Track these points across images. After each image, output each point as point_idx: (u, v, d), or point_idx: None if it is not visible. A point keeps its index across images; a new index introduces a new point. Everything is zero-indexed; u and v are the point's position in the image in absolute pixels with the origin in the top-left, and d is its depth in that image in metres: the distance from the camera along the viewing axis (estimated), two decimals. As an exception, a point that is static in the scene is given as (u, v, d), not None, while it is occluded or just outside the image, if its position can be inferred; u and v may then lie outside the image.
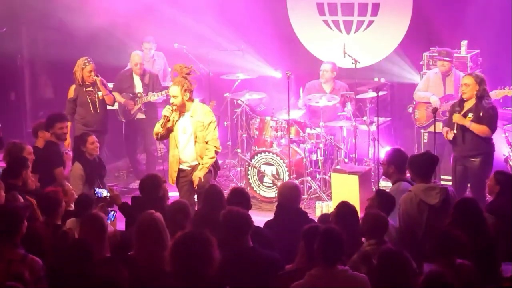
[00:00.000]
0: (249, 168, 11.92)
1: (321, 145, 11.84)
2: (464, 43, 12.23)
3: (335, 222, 6.98)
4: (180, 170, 9.63)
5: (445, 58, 11.51)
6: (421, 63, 12.46)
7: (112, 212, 8.37)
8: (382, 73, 13.37)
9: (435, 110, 10.22)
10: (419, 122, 11.93)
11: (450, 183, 10.18)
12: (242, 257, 6.32)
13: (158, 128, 9.56)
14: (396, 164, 8.34)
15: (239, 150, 12.44)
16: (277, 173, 11.68)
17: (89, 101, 11.51)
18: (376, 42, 13.64)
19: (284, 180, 11.32)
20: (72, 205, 8.29)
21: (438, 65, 11.61)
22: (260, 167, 11.81)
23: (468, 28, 12.63)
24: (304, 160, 11.72)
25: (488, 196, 8.68)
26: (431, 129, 11.34)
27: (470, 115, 9.85)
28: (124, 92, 12.51)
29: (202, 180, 9.41)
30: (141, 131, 12.68)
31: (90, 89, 11.52)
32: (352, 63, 12.23)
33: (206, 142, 9.46)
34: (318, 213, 10.85)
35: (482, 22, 12.56)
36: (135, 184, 12.58)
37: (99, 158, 10.16)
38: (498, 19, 12.30)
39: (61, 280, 6.20)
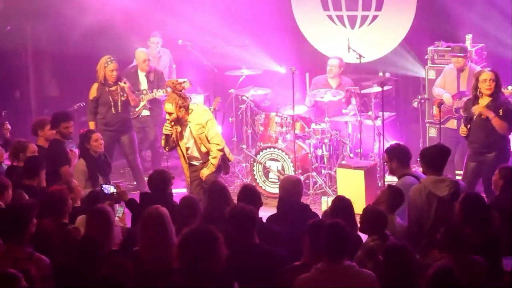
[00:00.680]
0: (255, 164, 11.92)
1: (326, 140, 11.83)
2: (468, 36, 12.21)
3: (331, 216, 6.99)
4: (190, 165, 9.72)
5: (459, 54, 11.42)
6: (426, 57, 12.43)
7: (120, 208, 8.38)
8: (386, 67, 13.37)
9: (440, 104, 10.20)
10: (436, 118, 11.83)
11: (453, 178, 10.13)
12: (248, 253, 6.31)
13: (163, 144, 9.74)
14: (398, 158, 8.32)
15: (244, 146, 12.44)
16: (283, 169, 11.68)
17: (111, 101, 11.42)
18: (380, 37, 13.62)
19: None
20: (79, 202, 8.31)
21: (453, 61, 11.50)
22: (265, 163, 11.81)
23: (473, 22, 12.60)
24: (310, 155, 11.72)
25: (494, 190, 8.63)
26: (447, 125, 11.32)
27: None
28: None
29: (210, 176, 9.50)
30: (146, 128, 12.69)
31: (113, 88, 11.44)
32: (357, 58, 12.25)
33: (209, 140, 9.51)
34: (324, 208, 10.83)
35: (486, 16, 12.54)
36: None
37: (105, 156, 10.16)
38: (503, 12, 12.26)
39: (67, 278, 6.21)
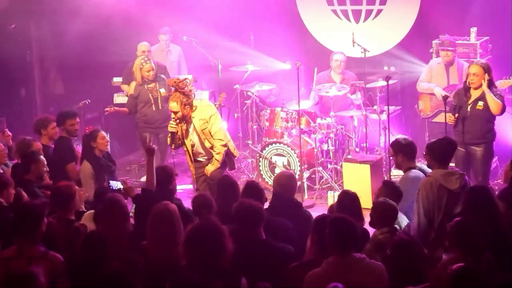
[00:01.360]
0: (260, 159, 11.92)
1: (332, 135, 11.83)
2: (473, 30, 12.19)
3: (337, 210, 7.00)
4: (196, 161, 9.73)
5: (448, 48, 11.49)
6: (430, 51, 12.42)
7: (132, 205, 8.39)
8: (391, 61, 13.35)
9: (445, 98, 10.19)
10: (423, 113, 11.89)
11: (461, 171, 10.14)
12: (255, 249, 6.31)
13: (169, 142, 9.77)
14: (404, 152, 8.31)
15: (250, 142, 12.43)
16: (288, 164, 11.68)
17: (151, 98, 11.58)
18: (385, 31, 13.59)
19: (296, 171, 11.32)
20: (83, 206, 8.30)
21: (442, 55, 11.58)
22: (271, 158, 11.81)
23: (478, 15, 12.59)
24: (315, 150, 11.72)
25: (504, 182, 8.62)
26: (437, 119, 11.33)
27: (481, 103, 9.81)
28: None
29: (215, 172, 9.51)
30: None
31: (152, 85, 11.59)
32: (362, 52, 12.23)
33: (212, 136, 9.51)
34: (330, 203, 10.82)
35: (491, 9, 12.52)
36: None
37: (108, 154, 10.15)
38: (508, 5, 12.23)
39: (76, 275, 6.23)
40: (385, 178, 11.14)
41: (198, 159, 9.76)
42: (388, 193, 7.41)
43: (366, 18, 13.72)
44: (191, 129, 9.57)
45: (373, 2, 13.61)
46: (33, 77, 14.17)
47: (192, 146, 9.68)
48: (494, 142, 10.09)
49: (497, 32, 12.42)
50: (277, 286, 5.97)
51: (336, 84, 12.09)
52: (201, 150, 9.70)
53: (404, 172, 8.37)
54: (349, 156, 11.47)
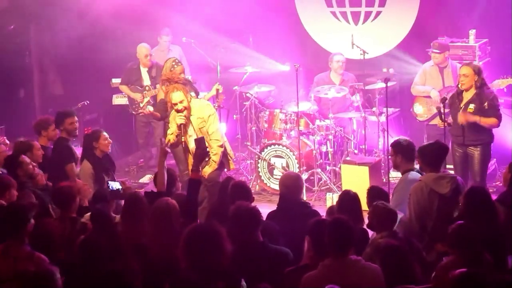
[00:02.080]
0: (259, 161, 11.92)
1: (330, 137, 11.83)
2: (472, 32, 12.20)
3: (338, 211, 7.01)
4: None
5: (434, 50, 11.52)
6: (429, 53, 12.42)
7: None
8: (390, 63, 13.36)
9: (444, 100, 10.18)
10: (420, 117, 11.87)
11: (453, 172, 10.16)
12: (252, 251, 6.31)
13: (172, 137, 9.56)
14: (403, 153, 8.29)
15: (248, 143, 12.43)
16: (287, 166, 11.68)
17: None
18: (384, 33, 13.61)
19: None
20: (87, 202, 8.32)
21: (432, 57, 11.61)
22: (270, 159, 11.81)
23: (476, 17, 12.61)
24: (314, 152, 11.72)
25: (503, 185, 8.63)
26: (434, 122, 11.34)
27: (472, 106, 9.78)
28: (132, 85, 12.57)
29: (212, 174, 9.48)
30: (152, 122, 12.69)
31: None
32: (361, 54, 12.24)
33: (209, 135, 9.48)
34: (329, 204, 10.82)
35: (490, 11, 12.54)
36: (145, 179, 12.63)
37: (108, 155, 10.15)
38: (506, 7, 12.25)
39: (75, 275, 6.24)
40: (384, 180, 11.17)
41: None
42: (375, 198, 7.40)
43: (365, 20, 13.74)
44: (190, 129, 9.53)
45: (372, 4, 13.62)
46: (32, 78, 14.17)
47: (191, 145, 9.62)
48: (492, 143, 10.05)
49: (496, 34, 12.43)
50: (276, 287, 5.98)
51: (335, 85, 12.10)
52: (183, 139, 9.62)
53: (402, 173, 8.36)
54: (348, 158, 11.48)
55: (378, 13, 13.65)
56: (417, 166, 8.44)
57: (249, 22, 13.98)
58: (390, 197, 8.06)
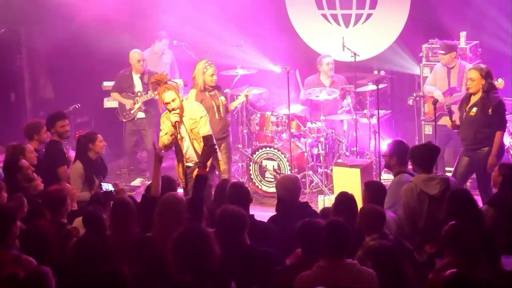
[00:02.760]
0: (251, 163, 11.93)
1: (322, 139, 11.84)
2: (463, 34, 12.23)
3: (334, 212, 7.01)
4: (186, 167, 9.68)
5: (440, 52, 11.53)
6: (420, 55, 12.46)
7: None
8: (381, 65, 13.38)
9: (435, 102, 10.21)
10: (428, 116, 11.91)
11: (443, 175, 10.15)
12: (240, 254, 6.28)
13: (166, 138, 9.48)
14: (398, 155, 8.30)
15: (240, 146, 12.43)
16: (279, 168, 11.68)
17: (214, 106, 10.72)
18: (375, 35, 13.64)
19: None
20: (75, 205, 8.30)
21: (439, 58, 11.60)
22: (261, 162, 11.81)
23: (467, 19, 12.64)
24: (306, 154, 11.73)
25: (493, 187, 8.65)
26: (441, 122, 11.34)
27: (474, 109, 9.77)
28: (124, 92, 12.55)
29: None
30: (142, 130, 12.69)
31: (213, 93, 10.77)
32: (352, 56, 12.24)
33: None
34: (321, 207, 10.83)
35: (480, 13, 12.56)
36: (137, 182, 12.62)
37: (101, 158, 10.13)
38: (497, 9, 12.29)
39: (67, 278, 6.22)
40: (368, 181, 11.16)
41: (187, 164, 9.68)
42: (372, 194, 7.41)
43: (356, 22, 13.77)
44: (183, 131, 9.51)
45: (363, 6, 13.64)
46: (23, 82, 14.15)
47: (184, 147, 9.61)
48: (500, 146, 9.91)
49: (486, 36, 12.46)
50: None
51: (326, 88, 12.10)
52: (191, 153, 9.63)
53: (395, 175, 8.37)
54: (339, 160, 11.47)
55: (369, 16, 13.68)
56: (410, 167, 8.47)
57: (240, 25, 13.97)
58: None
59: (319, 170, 11.88)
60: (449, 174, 9.56)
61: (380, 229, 6.72)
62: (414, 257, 6.74)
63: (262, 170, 11.83)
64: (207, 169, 9.50)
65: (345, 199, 7.25)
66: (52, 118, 10.01)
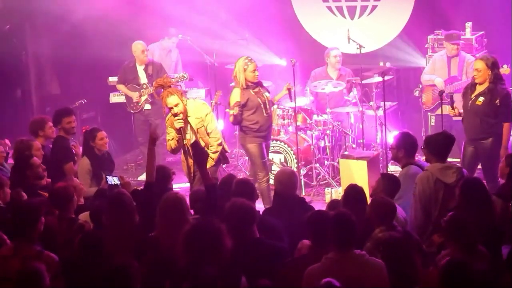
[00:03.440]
0: (257, 157, 11.91)
1: (328, 132, 11.83)
2: (468, 24, 12.20)
3: (343, 204, 7.01)
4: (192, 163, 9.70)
5: (455, 42, 11.53)
6: (426, 46, 12.45)
7: None
8: (387, 57, 13.36)
9: (441, 93, 10.19)
10: (426, 106, 11.96)
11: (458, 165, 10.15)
12: (249, 248, 6.30)
13: (173, 143, 9.52)
14: (406, 147, 8.30)
15: (246, 139, 12.42)
16: (285, 161, 11.67)
17: (261, 103, 10.31)
18: (380, 27, 13.62)
19: (293, 168, 11.31)
20: (82, 200, 8.32)
21: (449, 49, 11.59)
22: (268, 155, 11.80)
23: (473, 10, 12.61)
24: (312, 147, 11.72)
25: (500, 178, 8.64)
26: (438, 112, 11.35)
27: (481, 99, 9.72)
28: (130, 84, 12.56)
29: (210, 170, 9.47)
30: (149, 120, 12.69)
31: (256, 90, 10.37)
32: (357, 49, 12.22)
33: (208, 134, 9.48)
34: (328, 199, 10.85)
35: (486, 3, 12.53)
36: (144, 177, 12.61)
37: (108, 153, 10.14)
38: (503, -1, 12.28)
39: (77, 274, 6.24)
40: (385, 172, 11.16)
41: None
42: (387, 185, 7.41)
43: (361, 14, 13.75)
44: (188, 129, 9.54)
45: (368, -3, 13.65)
46: (29, 78, 14.14)
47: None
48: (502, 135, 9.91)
49: (492, 27, 12.43)
50: (275, 283, 5.98)
51: (332, 80, 12.09)
52: (185, 141, 9.62)
53: (402, 167, 8.36)
54: (346, 153, 11.45)
55: (374, 7, 13.65)
56: (420, 160, 8.46)
57: (245, 17, 13.96)
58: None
59: (326, 162, 11.87)
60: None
61: (389, 221, 6.73)
62: (422, 248, 6.73)
63: (269, 164, 11.81)
64: (214, 164, 9.61)
65: (354, 191, 7.24)
66: (59, 114, 10.01)
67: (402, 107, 13.18)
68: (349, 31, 12.53)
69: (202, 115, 9.49)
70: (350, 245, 5.89)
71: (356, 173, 10.69)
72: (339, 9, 13.85)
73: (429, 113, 12.10)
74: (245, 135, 10.42)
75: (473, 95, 9.82)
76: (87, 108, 13.23)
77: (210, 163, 9.54)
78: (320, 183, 11.67)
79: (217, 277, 5.39)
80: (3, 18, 13.39)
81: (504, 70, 10.61)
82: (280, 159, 11.73)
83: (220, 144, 9.64)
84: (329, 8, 13.92)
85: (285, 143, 11.68)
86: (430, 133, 11.48)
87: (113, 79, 13.05)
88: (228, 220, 6.37)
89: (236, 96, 10.26)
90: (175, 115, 9.37)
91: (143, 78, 12.54)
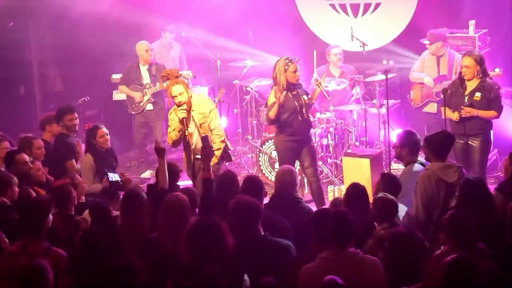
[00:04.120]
0: (260, 154, 11.92)
1: (331, 130, 11.82)
2: (472, 22, 12.19)
3: (345, 203, 7.02)
4: (194, 159, 9.70)
5: (424, 41, 11.72)
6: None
7: None
8: (390, 55, 13.34)
9: (445, 91, 10.15)
10: (414, 103, 12.01)
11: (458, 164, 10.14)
12: (254, 245, 6.31)
13: (174, 134, 9.49)
14: (410, 146, 8.31)
15: (249, 137, 12.44)
16: (288, 159, 11.66)
17: (297, 106, 10.00)
18: (383, 25, 13.61)
19: (295, 166, 11.30)
20: (83, 198, 8.34)
21: (433, 48, 11.70)
22: (271, 153, 11.80)
23: (476, 7, 12.60)
24: (315, 144, 11.70)
25: (500, 175, 8.64)
26: (426, 109, 11.41)
27: (478, 94, 9.77)
28: (132, 84, 12.57)
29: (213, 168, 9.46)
30: (151, 122, 12.72)
31: (295, 92, 10.04)
32: (360, 46, 12.23)
33: (211, 131, 9.47)
34: (331, 197, 10.85)
35: (489, 1, 12.52)
36: (147, 174, 12.64)
37: (111, 150, 10.18)
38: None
39: (80, 270, 6.26)
40: (385, 172, 11.15)
41: (196, 156, 9.70)
42: (386, 185, 7.41)
43: (364, 12, 13.73)
44: (192, 124, 9.52)
45: (371, -5, 13.64)
46: (32, 75, 14.16)
47: (193, 142, 9.63)
48: (491, 131, 10.05)
49: (495, 25, 12.42)
50: (279, 280, 5.98)
51: (335, 78, 12.09)
52: (199, 147, 9.63)
53: (405, 165, 8.36)
54: (349, 151, 11.46)
55: (377, 5, 13.64)
56: (421, 158, 8.46)
57: (248, 15, 13.96)
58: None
59: (329, 160, 11.87)
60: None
61: (391, 219, 6.74)
62: (425, 245, 6.73)
63: (272, 161, 11.82)
64: (217, 161, 9.62)
65: (356, 190, 7.23)
66: (61, 112, 10.06)
67: (405, 105, 13.16)
68: (352, 29, 12.53)
69: (206, 111, 9.48)
70: (346, 244, 5.90)
71: (359, 171, 10.69)
72: (343, 7, 13.84)
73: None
74: (278, 137, 10.26)
75: (467, 92, 9.83)
76: (90, 105, 13.24)
77: (213, 161, 9.55)
78: (323, 181, 11.63)
79: (219, 275, 5.39)
80: (7, 15, 13.41)
81: (496, 73, 10.64)
82: (283, 157, 11.72)
83: (223, 141, 9.63)
84: (333, 6, 13.92)
85: (288, 141, 11.68)
86: (432, 130, 11.48)
87: (116, 76, 13.07)
88: (233, 217, 6.39)
89: (273, 97, 10.03)
90: (179, 104, 9.35)
91: (146, 78, 12.55)
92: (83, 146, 10.15)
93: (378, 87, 12.04)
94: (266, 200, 7.80)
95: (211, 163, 9.47)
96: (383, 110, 11.56)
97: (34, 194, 8.03)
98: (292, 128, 10.02)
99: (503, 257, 6.11)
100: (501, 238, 6.57)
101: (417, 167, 8.19)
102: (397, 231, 6.26)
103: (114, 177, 8.63)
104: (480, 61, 9.78)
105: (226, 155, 9.88)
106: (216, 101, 11.91)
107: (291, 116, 9.96)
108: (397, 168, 10.63)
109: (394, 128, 11.63)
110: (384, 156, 11.52)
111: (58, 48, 13.83)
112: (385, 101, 11.30)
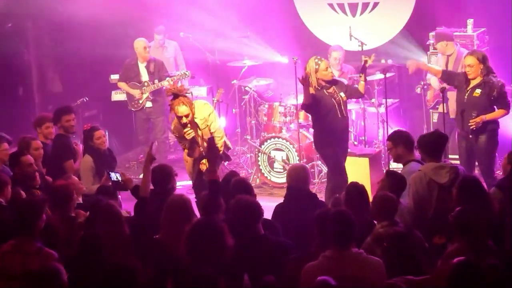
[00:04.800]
0: (259, 154, 11.93)
1: (330, 129, 11.82)
2: (470, 21, 12.18)
3: (345, 202, 7.01)
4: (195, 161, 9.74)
5: (430, 41, 11.76)
6: (427, 43, 12.43)
7: None
8: (389, 54, 13.34)
9: (443, 90, 10.18)
10: (429, 103, 11.95)
11: (458, 162, 10.15)
12: (254, 245, 6.32)
13: (190, 154, 9.64)
14: (404, 143, 8.26)
15: (248, 137, 12.45)
16: (287, 158, 11.69)
17: (335, 104, 9.83)
18: (382, 24, 13.60)
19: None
20: (80, 199, 8.34)
21: (439, 47, 11.67)
22: (270, 153, 11.82)
23: (474, 6, 12.60)
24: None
25: (499, 174, 8.65)
26: (440, 109, 11.34)
27: (478, 90, 9.79)
28: (131, 82, 12.56)
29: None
30: (151, 118, 12.70)
31: (331, 90, 9.87)
32: (359, 46, 12.24)
33: (212, 133, 9.49)
34: (329, 197, 10.84)
35: (488, 0, 12.52)
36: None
37: (110, 150, 10.16)
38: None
39: (77, 272, 6.25)
40: (384, 171, 11.14)
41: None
42: (391, 183, 7.40)
43: (362, 11, 13.73)
44: (199, 132, 9.57)
45: (369, -5, 13.63)
46: (31, 76, 14.15)
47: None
48: (498, 130, 10.02)
49: (494, 23, 12.42)
50: (279, 280, 5.99)
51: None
52: (202, 149, 9.69)
53: (404, 165, 8.35)
54: (348, 150, 11.46)
55: (375, 4, 13.64)
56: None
57: (247, 15, 13.96)
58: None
59: (328, 160, 11.86)
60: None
61: (391, 217, 6.74)
62: (424, 245, 6.74)
63: (271, 161, 11.84)
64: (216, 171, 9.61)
65: (355, 189, 7.23)
66: (59, 113, 10.06)
67: (404, 104, 13.18)
68: (350, 28, 12.55)
69: (205, 115, 9.54)
70: (348, 244, 5.89)
71: (358, 170, 10.69)
72: (341, 6, 13.84)
73: (431, 110, 12.09)
74: (319, 139, 10.09)
75: (468, 88, 9.85)
76: (89, 106, 13.24)
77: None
78: (322, 180, 11.64)
79: (219, 276, 5.40)
80: (5, 17, 13.40)
81: None
82: (282, 156, 11.74)
83: (222, 143, 9.66)
84: (331, 5, 13.91)
85: (287, 141, 11.69)
86: (432, 130, 11.48)
87: (114, 77, 13.05)
88: (233, 217, 6.39)
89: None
90: (185, 125, 9.39)
91: (144, 76, 12.54)
92: (81, 147, 10.15)
93: (377, 86, 12.04)
94: (280, 200, 7.82)
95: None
96: (382, 109, 11.58)
97: (24, 194, 8.02)
98: (331, 127, 9.84)
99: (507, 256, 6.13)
100: (500, 236, 6.57)
101: (414, 166, 8.13)
102: (396, 231, 6.25)
103: (115, 176, 8.63)
104: (483, 60, 9.79)
105: (225, 156, 9.92)
106: (215, 101, 11.93)
107: (330, 114, 9.78)
108: (396, 167, 10.60)
109: (393, 127, 11.62)
110: (383, 155, 11.53)
111: (57, 49, 13.82)
112: (383, 100, 11.30)
